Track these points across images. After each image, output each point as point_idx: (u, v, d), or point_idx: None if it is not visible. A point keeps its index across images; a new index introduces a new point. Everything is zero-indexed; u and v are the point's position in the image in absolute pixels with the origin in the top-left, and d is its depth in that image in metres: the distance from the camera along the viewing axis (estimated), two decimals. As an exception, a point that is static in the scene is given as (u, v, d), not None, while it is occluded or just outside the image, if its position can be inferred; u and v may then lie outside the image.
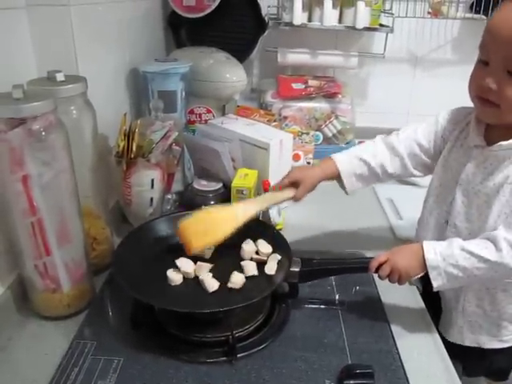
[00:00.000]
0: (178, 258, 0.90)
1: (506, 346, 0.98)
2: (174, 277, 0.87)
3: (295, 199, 0.99)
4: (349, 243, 1.16)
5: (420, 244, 0.85)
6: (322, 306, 0.94)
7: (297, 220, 1.25)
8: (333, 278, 1.01)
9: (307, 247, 1.13)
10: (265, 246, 0.95)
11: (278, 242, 0.95)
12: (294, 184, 0.99)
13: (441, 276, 0.82)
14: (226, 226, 0.90)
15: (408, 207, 1.28)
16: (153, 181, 1.09)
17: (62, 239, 0.85)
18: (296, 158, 1.48)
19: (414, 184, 1.44)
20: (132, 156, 1.05)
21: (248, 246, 0.94)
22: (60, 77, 0.87)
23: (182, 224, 0.90)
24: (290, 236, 1.17)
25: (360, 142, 1.73)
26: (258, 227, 0.99)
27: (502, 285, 0.92)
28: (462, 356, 1.00)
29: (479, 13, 1.57)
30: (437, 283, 0.83)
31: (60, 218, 0.84)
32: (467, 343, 0.99)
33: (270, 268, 0.90)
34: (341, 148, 1.59)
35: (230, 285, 0.85)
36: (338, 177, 1.01)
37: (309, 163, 1.51)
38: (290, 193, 0.98)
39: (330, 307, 0.94)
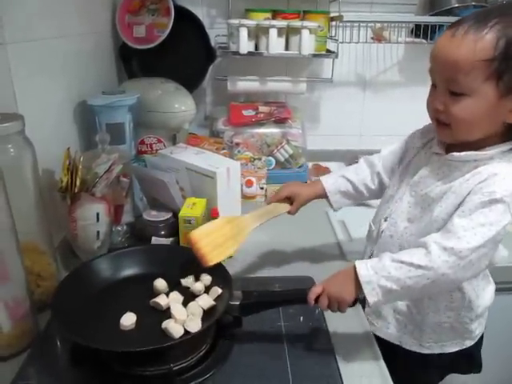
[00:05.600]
0: (119, 296, 0.91)
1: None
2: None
3: (290, 213, 1.06)
4: (300, 268, 1.17)
5: (352, 264, 0.85)
6: (268, 335, 0.93)
7: (248, 247, 1.25)
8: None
9: (257, 274, 1.14)
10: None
11: (220, 275, 0.93)
12: (288, 198, 1.05)
13: (375, 291, 0.81)
14: (238, 238, 0.97)
15: (359, 228, 1.28)
16: (98, 214, 1.08)
17: (0, 277, 0.83)
18: (248, 183, 1.50)
19: (366, 205, 1.45)
20: (76, 190, 1.04)
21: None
22: (-5, 116, 0.87)
23: (193, 234, 0.91)
24: (240, 264, 1.18)
25: (314, 165, 1.77)
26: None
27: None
28: (451, 365, 1.06)
29: (420, 37, 1.63)
30: (372, 299, 0.81)
31: (-3, 256, 0.83)
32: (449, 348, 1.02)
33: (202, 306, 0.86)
34: (294, 172, 1.63)
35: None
36: (325, 195, 1.07)
37: (262, 188, 1.53)
38: (286, 206, 1.05)
39: (276, 336, 0.93)
